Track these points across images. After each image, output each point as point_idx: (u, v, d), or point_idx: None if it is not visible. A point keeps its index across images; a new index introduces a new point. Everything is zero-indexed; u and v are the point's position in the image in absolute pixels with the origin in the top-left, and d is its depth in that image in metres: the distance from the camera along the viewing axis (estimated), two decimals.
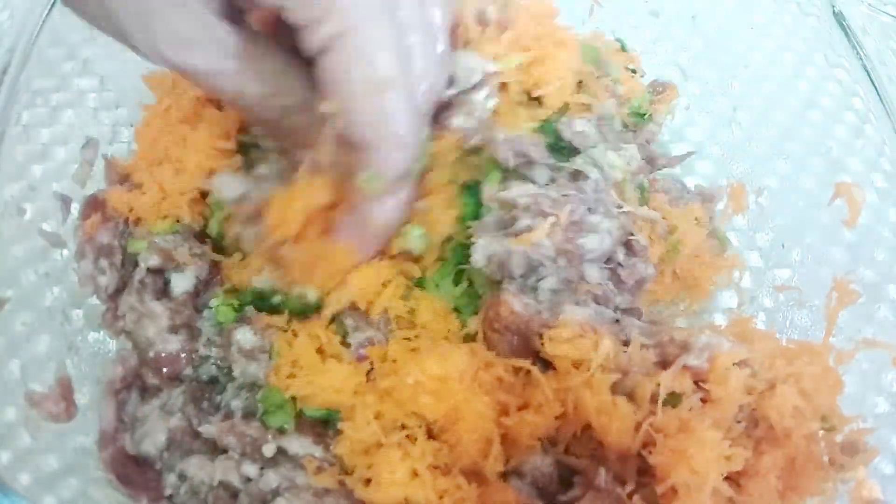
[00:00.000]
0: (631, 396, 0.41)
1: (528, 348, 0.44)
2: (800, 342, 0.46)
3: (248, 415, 0.46)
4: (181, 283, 0.49)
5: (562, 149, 0.49)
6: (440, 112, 0.47)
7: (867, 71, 0.53)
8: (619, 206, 0.47)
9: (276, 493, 0.43)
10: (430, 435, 0.43)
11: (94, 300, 0.51)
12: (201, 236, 0.51)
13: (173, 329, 0.48)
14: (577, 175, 0.48)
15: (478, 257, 0.45)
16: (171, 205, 0.50)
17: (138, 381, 0.48)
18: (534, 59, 0.50)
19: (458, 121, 0.48)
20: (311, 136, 0.43)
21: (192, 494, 0.45)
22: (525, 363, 0.44)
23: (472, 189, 0.48)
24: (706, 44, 0.64)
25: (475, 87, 0.48)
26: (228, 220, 0.50)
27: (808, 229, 0.56)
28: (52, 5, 0.51)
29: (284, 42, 0.42)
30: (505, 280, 0.45)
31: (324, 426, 0.45)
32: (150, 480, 0.46)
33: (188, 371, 0.48)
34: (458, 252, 0.48)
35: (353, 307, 0.46)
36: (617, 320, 0.45)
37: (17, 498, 0.37)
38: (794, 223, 0.58)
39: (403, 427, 0.43)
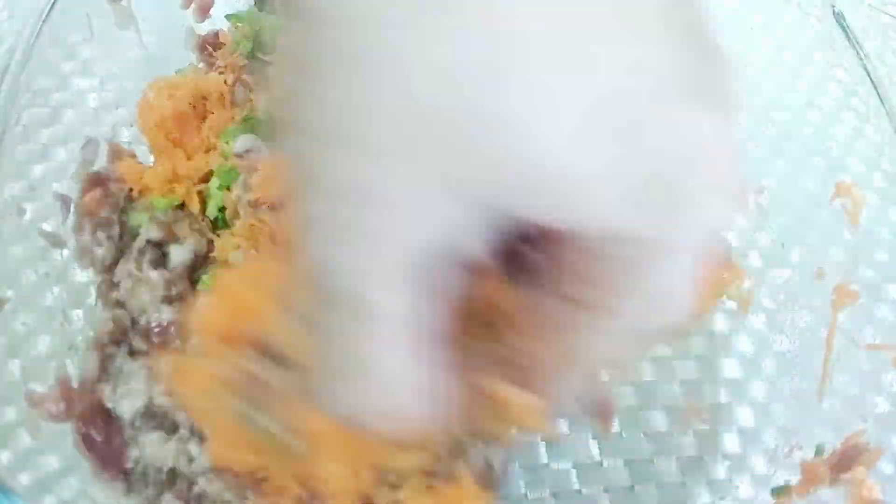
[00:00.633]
0: None
1: None
2: None
3: None
4: (179, 255, 0.50)
5: None
6: None
7: (867, 71, 0.53)
8: None
9: (204, 472, 0.44)
10: None
11: (94, 300, 0.51)
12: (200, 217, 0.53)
13: (167, 299, 0.49)
14: None
15: None
16: (178, 185, 0.51)
17: (127, 341, 0.49)
18: None
19: None
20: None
21: (142, 475, 0.45)
22: None
23: None
24: None
25: None
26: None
27: (809, 229, 0.56)
28: (53, 5, 0.51)
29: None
30: None
31: None
32: (114, 449, 0.46)
33: (177, 344, 0.48)
34: None
35: None
36: None
37: (17, 498, 0.37)
38: (794, 223, 0.58)
39: None
